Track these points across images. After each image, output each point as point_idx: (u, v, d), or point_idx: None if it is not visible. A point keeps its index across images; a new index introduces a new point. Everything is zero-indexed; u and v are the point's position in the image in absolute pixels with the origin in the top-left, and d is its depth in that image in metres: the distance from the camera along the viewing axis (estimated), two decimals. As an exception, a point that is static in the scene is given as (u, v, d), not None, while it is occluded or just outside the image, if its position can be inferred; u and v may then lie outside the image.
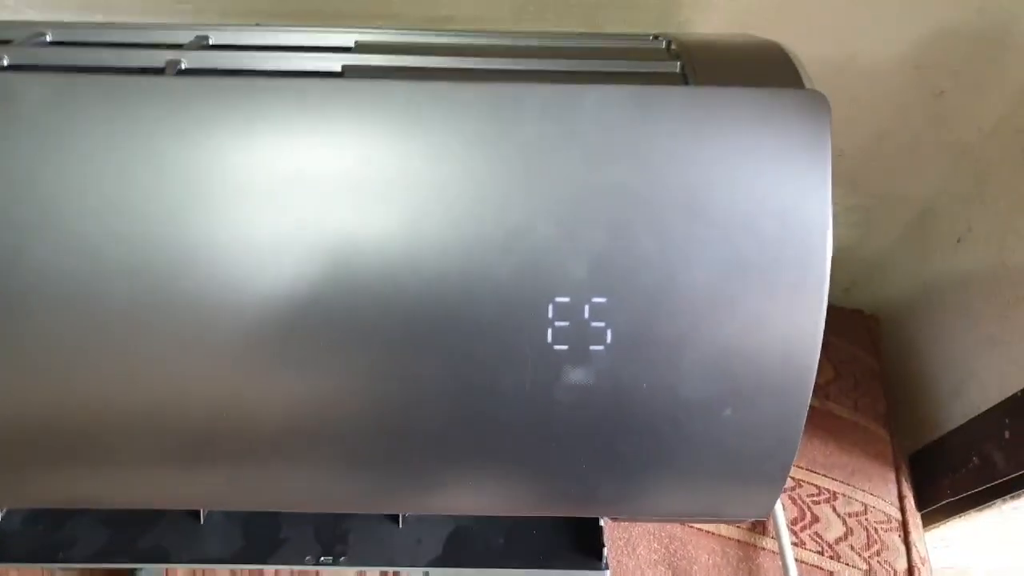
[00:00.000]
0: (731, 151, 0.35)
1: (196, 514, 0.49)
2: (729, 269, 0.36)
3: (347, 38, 0.41)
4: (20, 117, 0.34)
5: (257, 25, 0.50)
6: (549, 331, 0.36)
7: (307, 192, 0.35)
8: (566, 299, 0.36)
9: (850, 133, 0.65)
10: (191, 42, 0.40)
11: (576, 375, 0.37)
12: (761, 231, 0.35)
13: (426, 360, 0.37)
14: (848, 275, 0.84)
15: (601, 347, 0.36)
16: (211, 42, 0.40)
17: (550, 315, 0.36)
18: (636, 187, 0.35)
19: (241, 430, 0.39)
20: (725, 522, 0.54)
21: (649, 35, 0.46)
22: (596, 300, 0.36)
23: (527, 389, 0.37)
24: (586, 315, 0.36)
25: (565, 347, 0.36)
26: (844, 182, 0.69)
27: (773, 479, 0.41)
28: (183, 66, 0.37)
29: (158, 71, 0.37)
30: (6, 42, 0.39)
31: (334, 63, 0.38)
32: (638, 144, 0.35)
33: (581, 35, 0.50)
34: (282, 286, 0.35)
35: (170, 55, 0.38)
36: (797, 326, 0.37)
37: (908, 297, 0.77)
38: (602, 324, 0.36)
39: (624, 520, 0.50)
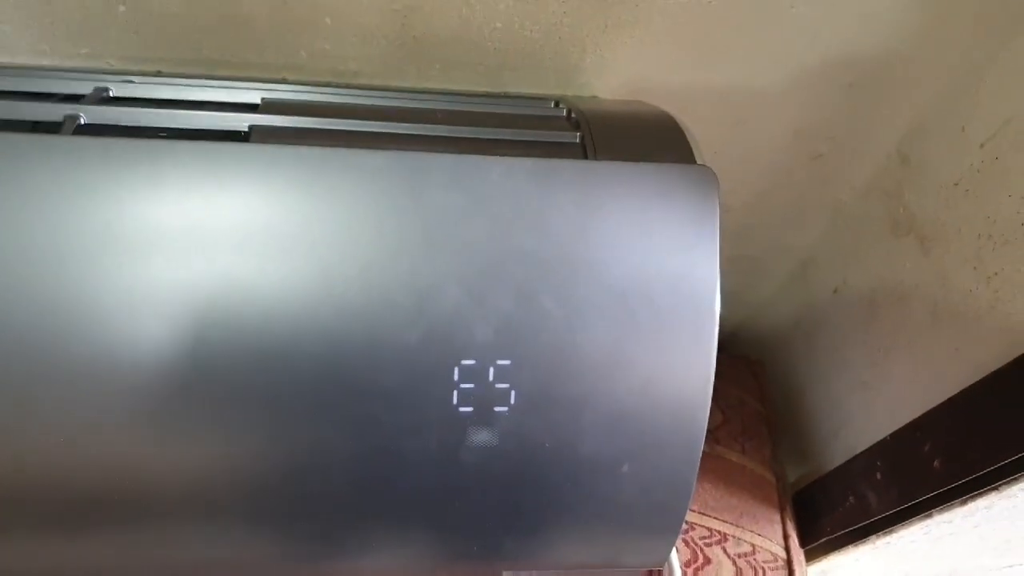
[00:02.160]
0: (627, 222, 0.37)
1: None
2: (625, 332, 0.37)
3: (254, 95, 0.41)
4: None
5: (159, 74, 0.50)
6: (455, 393, 0.37)
7: (213, 257, 0.34)
8: (472, 361, 0.37)
9: (737, 191, 0.69)
10: (90, 95, 0.39)
11: (481, 436, 0.38)
12: (655, 296, 0.37)
13: (331, 424, 0.37)
14: (735, 319, 0.89)
15: (505, 408, 0.38)
16: (111, 94, 0.40)
17: (456, 377, 0.37)
18: (539, 254, 0.36)
19: (136, 499, 0.37)
20: (624, 570, 0.55)
21: (551, 99, 0.48)
22: (501, 362, 0.37)
23: (433, 451, 0.38)
24: (491, 377, 0.37)
25: (470, 409, 0.37)
26: (732, 235, 0.73)
27: (669, 528, 0.42)
28: (82, 121, 0.36)
29: (55, 127, 0.36)
30: None
31: (241, 123, 0.38)
32: (541, 214, 0.36)
33: (485, 96, 0.51)
34: (181, 352, 0.35)
35: (68, 109, 0.37)
36: (688, 385, 0.39)
37: (790, 343, 0.81)
38: (506, 386, 0.37)
39: (525, 573, 0.50)
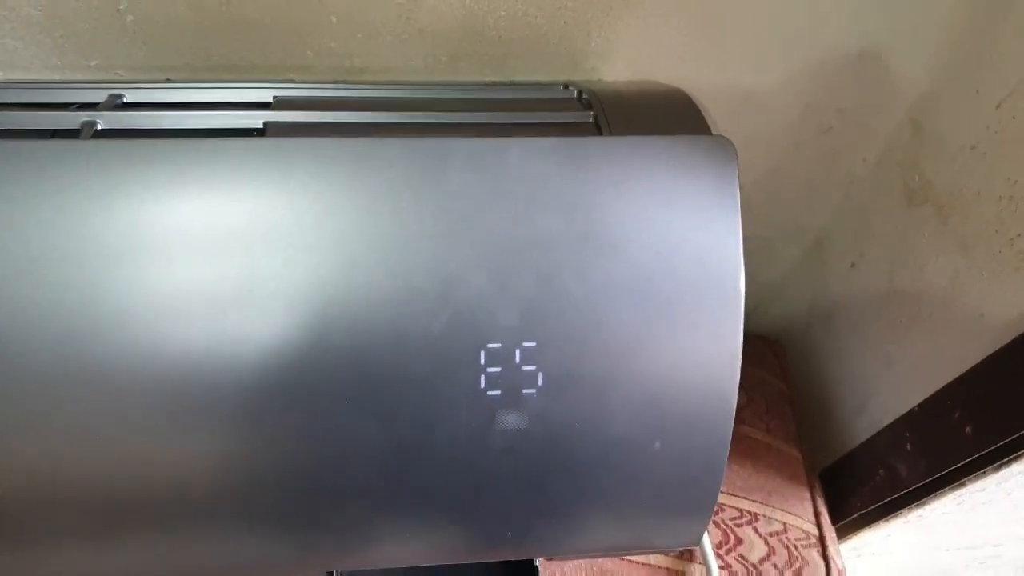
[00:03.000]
0: (648, 197, 0.37)
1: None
2: (651, 309, 0.37)
3: (265, 94, 0.41)
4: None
5: (168, 81, 0.50)
6: (482, 377, 0.37)
7: (235, 253, 0.35)
8: (497, 345, 0.37)
9: (747, 169, 0.69)
10: (105, 101, 0.39)
11: (510, 419, 0.38)
12: (679, 272, 0.37)
13: (360, 414, 0.37)
14: (752, 300, 0.88)
15: (533, 390, 0.37)
16: (125, 100, 0.40)
17: (482, 361, 0.37)
18: (560, 235, 0.36)
19: (169, 496, 0.38)
20: (658, 551, 0.55)
21: (559, 84, 0.48)
22: (527, 344, 0.37)
23: (463, 437, 0.38)
24: (517, 360, 0.37)
25: (498, 392, 0.37)
26: (744, 215, 0.72)
27: (703, 507, 0.42)
28: (99, 127, 0.37)
29: (73, 133, 0.36)
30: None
31: (255, 120, 0.38)
32: (561, 193, 0.36)
33: (494, 85, 0.51)
34: (208, 347, 0.35)
35: (85, 116, 0.37)
36: (717, 360, 0.39)
37: (809, 320, 0.81)
38: (533, 367, 0.37)
39: (559, 558, 0.50)
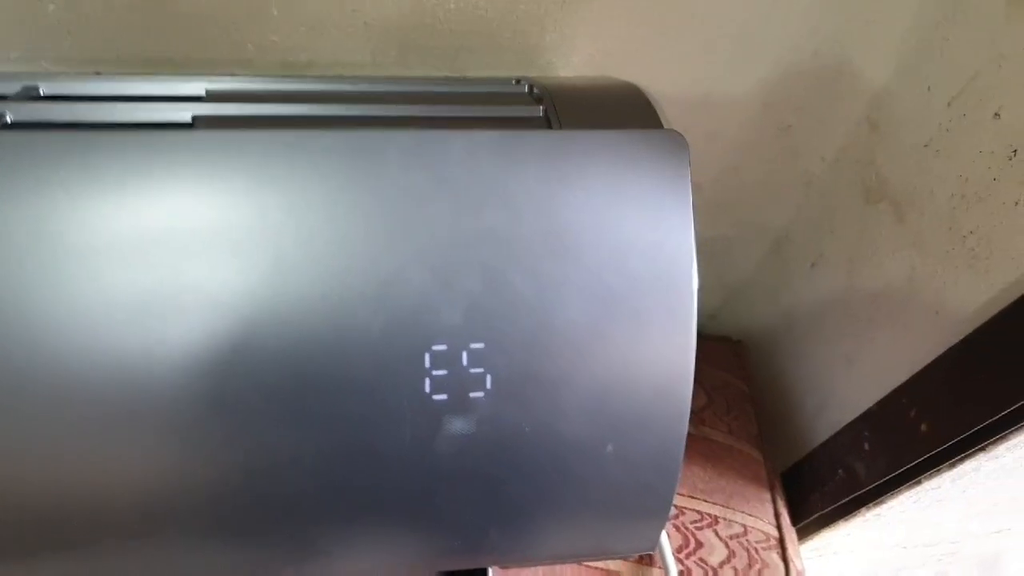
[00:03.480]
0: (596, 192, 0.35)
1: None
2: (601, 308, 0.36)
3: (197, 87, 0.39)
4: None
5: (97, 74, 0.48)
6: (427, 381, 0.35)
7: (156, 253, 0.32)
8: (443, 347, 0.35)
9: (707, 167, 0.68)
10: (17, 93, 0.37)
11: (457, 424, 0.36)
12: (629, 269, 0.36)
13: (296, 421, 0.35)
14: (714, 302, 0.88)
15: (481, 393, 0.36)
16: (42, 93, 0.37)
17: (427, 364, 0.35)
18: (507, 231, 0.35)
19: (97, 510, 0.35)
20: (613, 558, 0.54)
21: (511, 79, 0.46)
22: (474, 346, 0.35)
23: (407, 443, 0.36)
24: (464, 362, 0.35)
25: (444, 396, 0.36)
26: (703, 214, 0.72)
27: (658, 510, 0.41)
28: (8, 120, 0.34)
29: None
30: None
31: (184, 113, 0.36)
32: (506, 188, 0.35)
33: (444, 79, 0.50)
34: (130, 354, 0.33)
35: (-7, 108, 0.34)
36: (670, 358, 0.37)
37: (771, 321, 0.81)
38: (481, 370, 0.36)
39: (513, 567, 0.49)
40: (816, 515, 0.66)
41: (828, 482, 0.64)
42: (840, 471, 0.63)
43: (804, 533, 0.70)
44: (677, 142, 0.36)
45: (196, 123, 0.36)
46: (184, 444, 0.34)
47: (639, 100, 0.41)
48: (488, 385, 0.36)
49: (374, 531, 0.38)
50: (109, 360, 0.33)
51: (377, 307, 0.34)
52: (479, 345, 0.35)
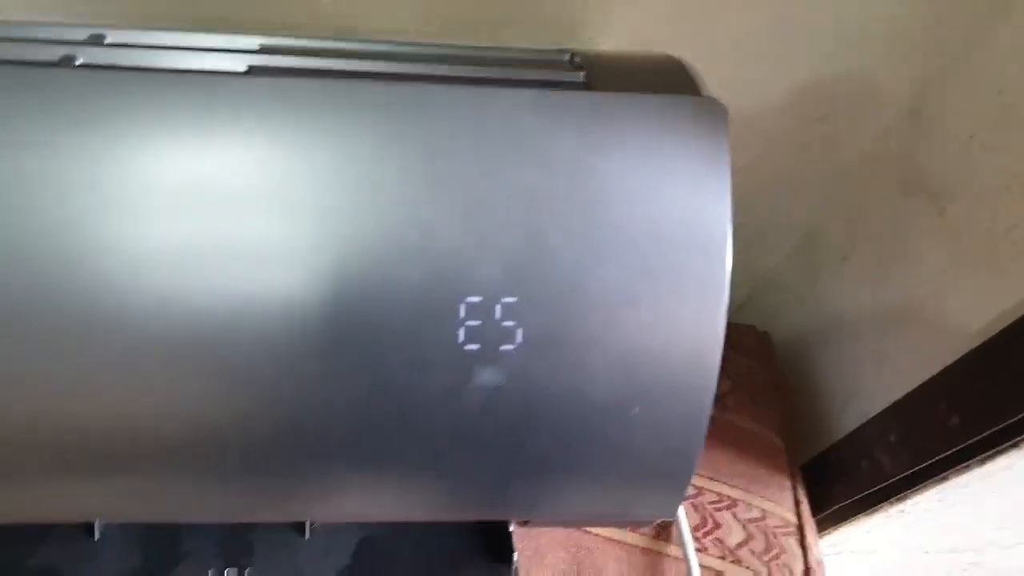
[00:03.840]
0: (634, 155, 0.36)
1: (90, 530, 0.46)
2: (635, 269, 0.37)
3: (252, 41, 0.40)
4: None
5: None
6: (461, 331, 0.36)
7: (207, 193, 0.34)
8: (477, 299, 0.36)
9: (739, 154, 0.68)
10: (85, 39, 0.38)
11: (487, 375, 0.37)
12: (663, 233, 0.37)
13: (334, 365, 0.36)
14: (741, 293, 0.88)
15: (511, 347, 0.37)
16: (107, 41, 0.39)
17: (462, 315, 0.36)
18: (543, 189, 0.35)
19: (144, 436, 0.37)
20: (633, 524, 0.55)
21: (553, 49, 0.47)
22: (507, 300, 0.36)
23: (439, 391, 0.37)
24: (497, 315, 0.36)
25: (476, 347, 0.36)
26: (734, 202, 0.72)
27: (680, 477, 0.41)
28: (79, 62, 0.36)
29: (50, 66, 0.35)
30: None
31: (239, 63, 0.37)
32: (546, 147, 0.35)
33: (487, 47, 0.51)
34: (178, 289, 0.34)
35: (64, 50, 0.36)
36: (700, 325, 0.38)
37: (799, 313, 0.81)
38: (513, 323, 0.36)
39: (534, 524, 0.50)
40: (836, 506, 0.66)
41: (851, 473, 0.64)
42: (864, 462, 0.63)
43: (823, 526, 0.70)
44: (717, 109, 0.37)
45: (250, 72, 0.37)
46: (225, 382, 0.36)
47: (680, 71, 0.41)
48: (519, 339, 0.37)
49: (402, 473, 0.39)
50: (155, 301, 0.34)
51: (417, 257, 0.35)
52: (512, 299, 0.36)
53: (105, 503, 0.41)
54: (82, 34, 0.39)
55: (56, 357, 0.34)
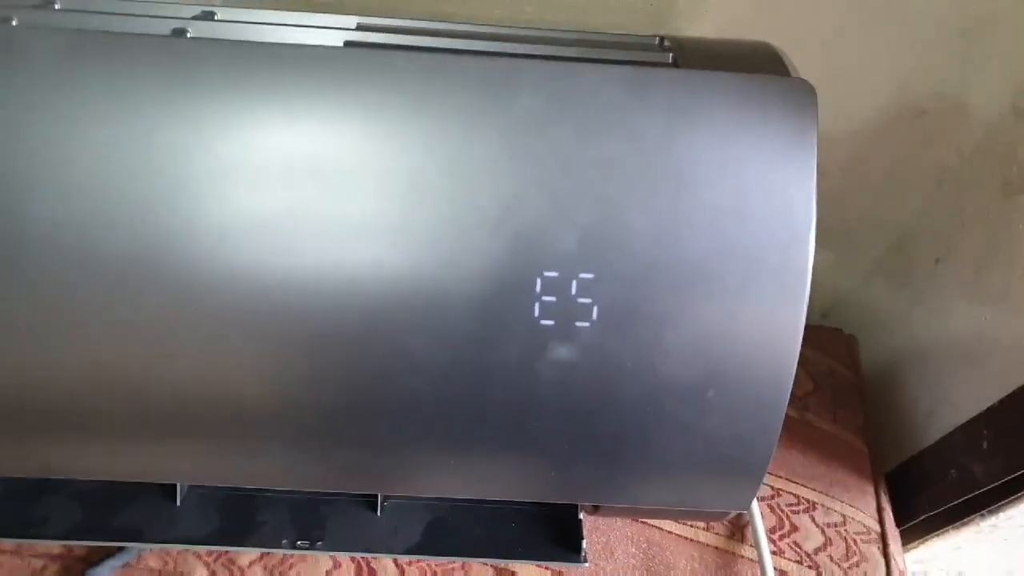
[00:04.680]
0: (720, 134, 0.36)
1: (172, 495, 0.48)
2: (715, 250, 0.36)
3: (349, 20, 0.42)
4: (30, 71, 0.34)
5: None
6: (537, 305, 0.37)
7: (303, 162, 0.35)
8: (554, 274, 0.36)
9: (832, 152, 0.67)
10: (197, 15, 0.40)
11: (561, 351, 0.37)
12: (747, 213, 0.36)
13: (413, 335, 0.37)
14: (826, 300, 0.85)
15: (587, 323, 0.37)
16: (217, 17, 0.41)
17: (538, 289, 0.36)
18: (627, 165, 0.36)
19: (224, 403, 0.39)
20: (706, 517, 0.54)
21: (643, 34, 0.47)
22: (584, 276, 0.36)
23: (513, 365, 0.38)
24: (573, 291, 0.37)
25: (551, 322, 0.37)
26: (825, 203, 0.70)
27: (754, 466, 0.41)
28: (189, 35, 0.38)
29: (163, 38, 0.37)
30: (14, 6, 0.39)
31: (336, 39, 0.39)
32: (633, 123, 0.36)
33: (576, 31, 0.51)
34: (269, 257, 0.36)
35: (175, 24, 0.38)
36: (780, 309, 0.37)
37: (886, 316, 0.78)
38: (589, 300, 0.37)
39: (604, 512, 0.50)
40: (923, 517, 0.63)
41: (938, 482, 0.61)
42: (953, 471, 0.60)
43: (907, 539, 0.67)
44: (806, 90, 0.37)
45: (347, 47, 0.38)
46: (306, 350, 0.37)
47: (770, 55, 0.41)
48: (594, 316, 0.37)
49: (475, 447, 0.40)
50: (246, 269, 0.36)
51: (497, 229, 0.36)
52: (589, 275, 0.36)
53: (189, 466, 0.43)
54: (194, 10, 0.41)
55: (152, 321, 0.36)
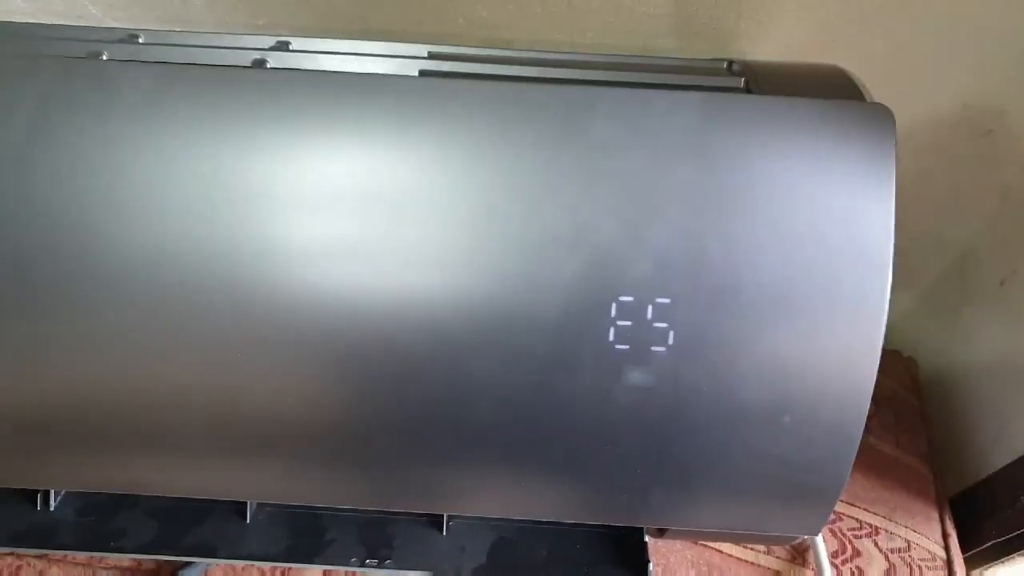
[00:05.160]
0: (797, 159, 0.36)
1: (243, 513, 0.49)
2: (791, 274, 0.36)
3: (420, 48, 0.43)
4: (120, 103, 0.35)
5: (329, 38, 0.53)
6: (611, 330, 0.37)
7: (381, 189, 0.36)
8: (630, 298, 0.36)
9: (896, 171, 0.66)
10: (274, 46, 0.42)
11: (636, 376, 0.37)
12: (825, 239, 0.36)
13: (485, 358, 0.37)
14: (888, 317, 0.84)
15: (663, 348, 0.37)
16: (292, 47, 0.42)
17: (613, 314, 0.37)
18: (703, 189, 0.36)
19: (296, 423, 0.39)
20: (773, 542, 0.53)
21: (709, 58, 0.47)
22: (660, 300, 0.37)
23: (587, 389, 0.38)
24: (649, 315, 0.37)
25: (626, 347, 0.37)
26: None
27: (827, 492, 0.40)
28: (269, 65, 0.39)
29: (246, 68, 0.38)
30: (103, 41, 0.41)
31: (411, 68, 0.40)
32: (707, 149, 0.36)
33: (642, 56, 0.52)
34: (342, 280, 0.36)
35: (256, 55, 0.39)
36: (857, 334, 0.37)
37: (948, 339, 0.76)
38: (664, 325, 0.37)
39: (670, 535, 0.49)
40: (989, 543, 0.62)
41: (1008, 508, 0.60)
42: (1022, 497, 0.59)
43: (973, 565, 0.65)
44: (884, 115, 0.36)
45: (423, 75, 0.39)
46: (380, 370, 0.38)
47: (843, 78, 0.41)
48: (670, 341, 0.37)
49: (543, 470, 0.40)
50: (317, 292, 0.36)
51: (571, 252, 0.36)
52: (665, 300, 0.37)
53: (259, 484, 0.44)
54: (270, 41, 0.42)
55: (231, 344, 0.37)
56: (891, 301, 0.82)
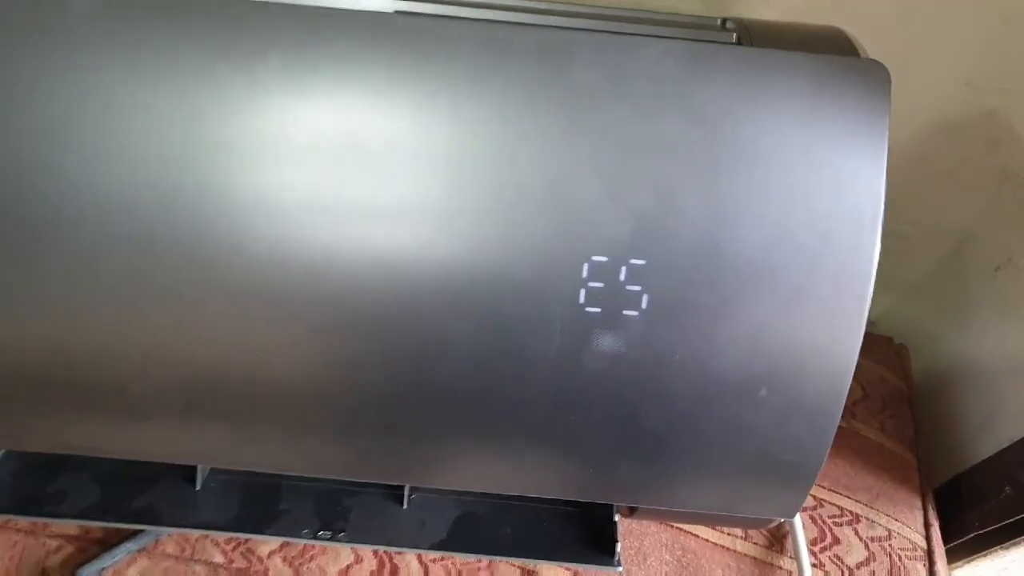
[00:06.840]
0: (786, 115, 0.34)
1: (192, 479, 0.47)
2: (776, 240, 0.34)
3: (399, -9, 0.41)
4: (72, 21, 0.33)
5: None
6: (582, 292, 0.35)
7: (348, 134, 0.34)
8: (603, 259, 0.35)
9: (894, 151, 0.64)
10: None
11: (606, 340, 0.36)
12: (813, 202, 0.34)
13: (448, 317, 0.35)
14: (878, 306, 0.82)
15: (635, 312, 0.35)
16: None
17: (584, 274, 0.35)
18: (685, 145, 0.34)
19: (250, 383, 0.37)
20: (747, 524, 0.52)
21: (703, 15, 0.45)
22: (634, 262, 0.35)
23: (554, 351, 0.36)
24: (622, 277, 0.35)
25: (598, 310, 0.35)
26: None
27: (804, 472, 0.39)
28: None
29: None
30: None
31: (386, 5, 0.37)
32: (690, 100, 0.34)
33: (635, 9, 0.49)
34: (306, 235, 0.34)
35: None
36: (841, 305, 0.35)
37: (941, 325, 0.75)
38: (638, 288, 0.35)
39: (640, 514, 0.48)
40: (972, 535, 0.60)
41: (991, 498, 0.58)
42: (1007, 488, 0.57)
43: (954, 557, 0.64)
44: (878, 72, 0.34)
45: (397, 13, 0.37)
46: (342, 330, 0.36)
47: (838, 36, 0.39)
48: (644, 305, 0.35)
49: (504, 440, 0.38)
50: (279, 247, 0.34)
51: (542, 209, 0.34)
52: (640, 262, 0.35)
53: (210, 447, 0.41)
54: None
55: (180, 295, 0.35)
56: (885, 288, 0.81)
